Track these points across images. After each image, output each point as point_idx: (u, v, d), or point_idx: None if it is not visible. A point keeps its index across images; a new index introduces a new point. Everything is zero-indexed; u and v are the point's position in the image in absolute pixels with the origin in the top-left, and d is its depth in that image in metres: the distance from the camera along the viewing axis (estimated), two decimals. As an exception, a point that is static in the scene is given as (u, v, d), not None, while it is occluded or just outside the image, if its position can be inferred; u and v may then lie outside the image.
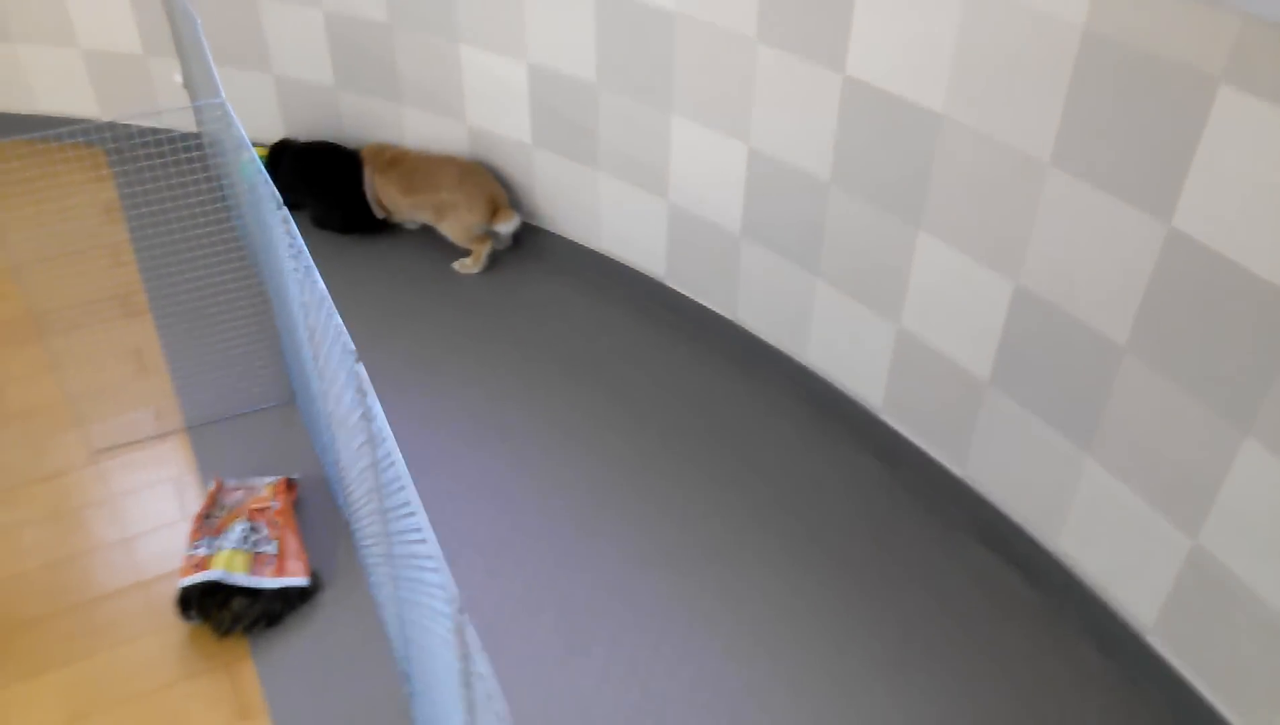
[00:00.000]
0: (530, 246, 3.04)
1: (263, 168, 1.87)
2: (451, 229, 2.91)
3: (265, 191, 1.84)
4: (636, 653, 1.98)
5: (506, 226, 2.89)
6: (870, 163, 2.10)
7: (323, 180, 3.00)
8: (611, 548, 2.18)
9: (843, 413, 2.46)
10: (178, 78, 3.22)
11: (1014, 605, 2.08)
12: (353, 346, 1.45)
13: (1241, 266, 1.53)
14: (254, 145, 3.13)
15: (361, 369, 1.42)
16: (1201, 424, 1.67)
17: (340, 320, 1.50)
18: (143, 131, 3.42)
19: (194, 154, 3.36)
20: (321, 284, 1.55)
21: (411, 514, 1.25)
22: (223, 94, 2.03)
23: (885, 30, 1.95)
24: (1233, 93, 1.46)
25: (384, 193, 2.95)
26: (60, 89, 3.33)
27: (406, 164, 2.94)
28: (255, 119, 3.24)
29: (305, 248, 1.62)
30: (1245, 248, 1.52)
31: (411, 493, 1.25)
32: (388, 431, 1.33)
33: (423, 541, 1.22)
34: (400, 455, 1.30)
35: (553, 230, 2.97)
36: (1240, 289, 1.55)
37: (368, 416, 1.45)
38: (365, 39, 2.94)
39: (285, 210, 1.71)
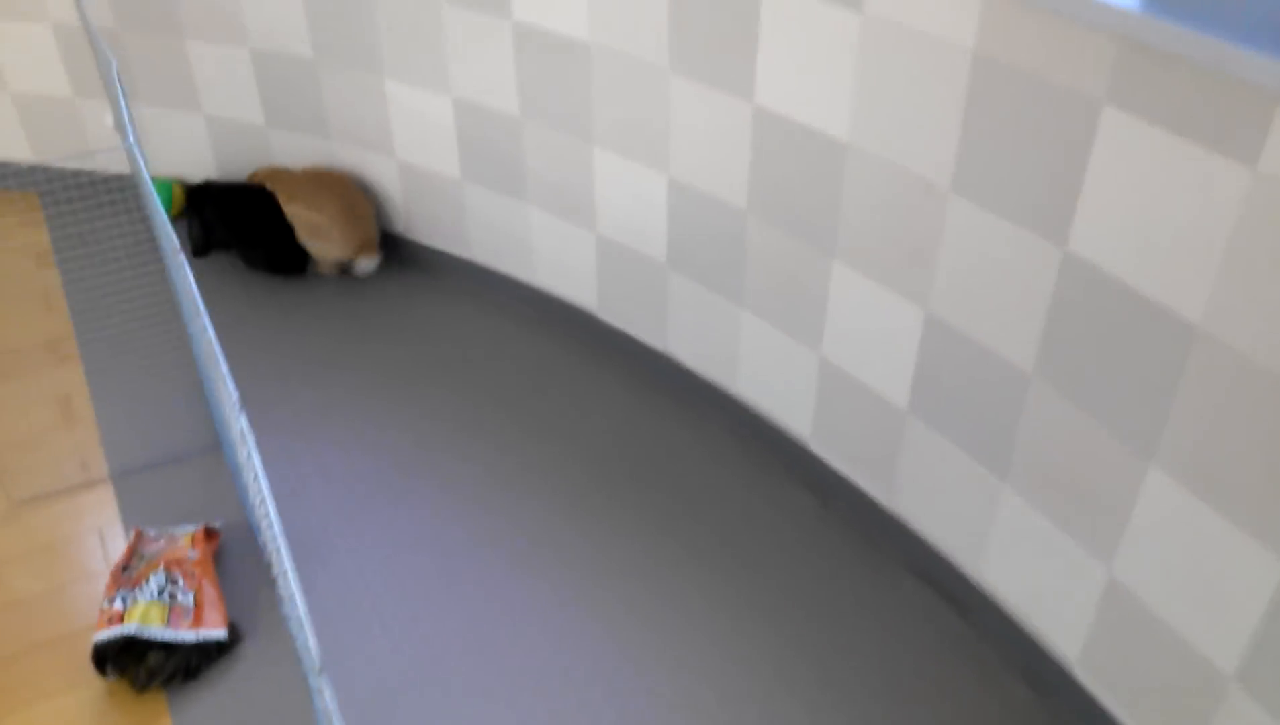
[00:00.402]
0: (464, 282, 3.01)
1: (163, 210, 1.84)
2: (317, 250, 2.98)
3: (164, 233, 1.80)
4: (563, 700, 1.94)
5: (365, 265, 3.02)
6: (784, 192, 2.09)
7: (243, 221, 2.97)
8: (543, 587, 2.14)
9: (773, 444, 2.43)
10: (108, 120, 3.19)
11: (945, 638, 2.05)
12: (236, 395, 1.42)
13: (1133, 289, 1.52)
14: (176, 185, 3.13)
15: (244, 420, 1.39)
16: (1108, 451, 1.65)
17: (226, 367, 1.46)
18: (76, 174, 3.39)
19: (127, 196, 3.33)
20: (210, 329, 1.52)
21: (284, 573, 1.22)
22: (132, 136, 2.00)
23: (789, 58, 1.94)
24: (1116, 113, 1.45)
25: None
26: (-10, 133, 3.31)
27: (291, 174, 3.01)
28: (188, 160, 3.21)
29: (196, 290, 1.59)
30: (1135, 270, 1.51)
31: (284, 553, 1.22)
32: (265, 485, 1.30)
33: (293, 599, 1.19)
34: (276, 511, 1.26)
35: (486, 265, 2.94)
36: (1134, 312, 1.53)
37: (248, 467, 1.41)
38: (292, 76, 2.92)
39: (181, 254, 1.68)
